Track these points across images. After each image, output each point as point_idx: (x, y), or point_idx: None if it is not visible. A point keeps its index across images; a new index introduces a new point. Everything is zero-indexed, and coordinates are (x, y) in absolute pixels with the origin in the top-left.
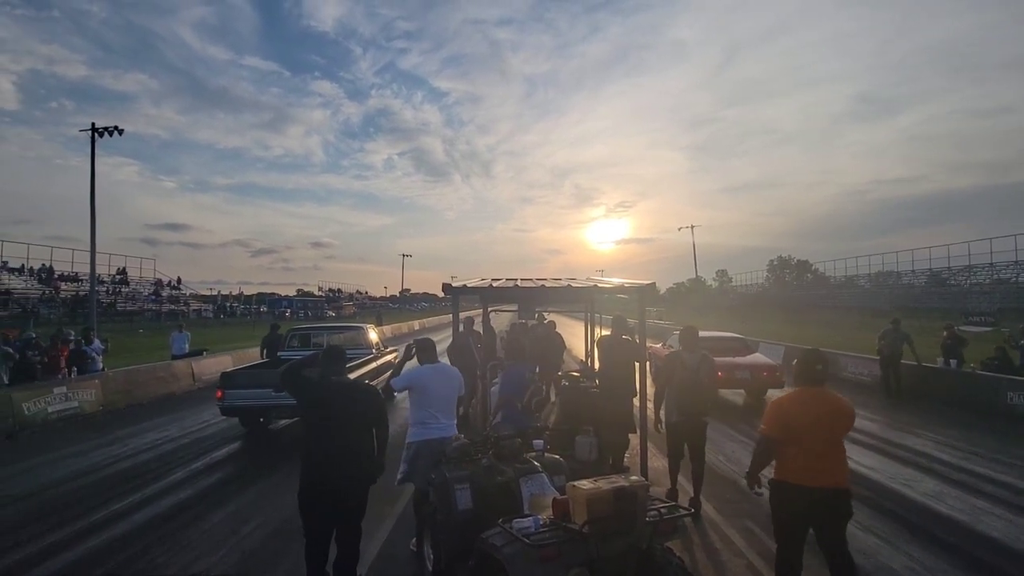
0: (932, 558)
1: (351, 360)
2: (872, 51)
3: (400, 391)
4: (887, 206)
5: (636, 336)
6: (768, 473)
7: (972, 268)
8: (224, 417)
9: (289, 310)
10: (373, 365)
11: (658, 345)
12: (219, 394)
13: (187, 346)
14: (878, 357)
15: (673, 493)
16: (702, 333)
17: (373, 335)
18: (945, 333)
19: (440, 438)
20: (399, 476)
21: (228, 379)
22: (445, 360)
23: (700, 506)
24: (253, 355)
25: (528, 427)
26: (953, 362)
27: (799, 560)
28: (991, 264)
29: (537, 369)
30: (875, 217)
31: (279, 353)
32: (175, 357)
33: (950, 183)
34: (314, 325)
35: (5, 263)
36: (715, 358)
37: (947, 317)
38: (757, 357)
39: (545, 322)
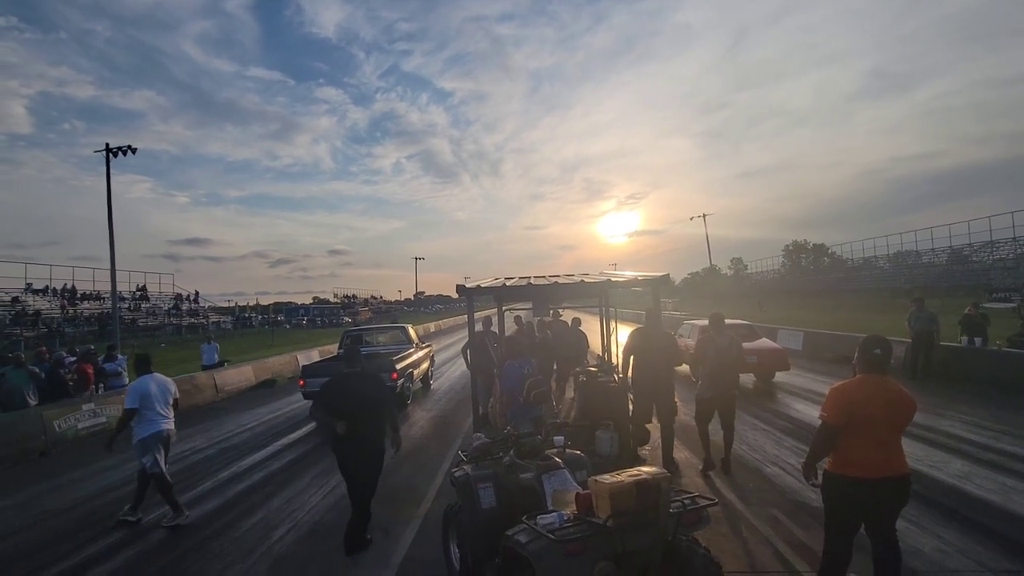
0: (963, 539)
1: (396, 353)
2: (885, 25)
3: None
4: (906, 184)
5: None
6: (819, 464)
7: (994, 243)
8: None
9: (306, 318)
10: (413, 357)
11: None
12: (301, 382)
13: (217, 356)
14: (909, 340)
15: (709, 462)
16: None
17: (412, 332)
18: (968, 310)
19: (167, 430)
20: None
21: (308, 370)
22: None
23: (730, 465)
24: (272, 364)
25: (531, 417)
26: (977, 340)
27: (849, 553)
28: (1014, 238)
29: (555, 366)
30: (893, 196)
31: (339, 350)
32: (205, 367)
33: (971, 156)
34: (366, 326)
35: (30, 285)
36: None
37: (970, 295)
38: (764, 342)
39: (562, 319)
